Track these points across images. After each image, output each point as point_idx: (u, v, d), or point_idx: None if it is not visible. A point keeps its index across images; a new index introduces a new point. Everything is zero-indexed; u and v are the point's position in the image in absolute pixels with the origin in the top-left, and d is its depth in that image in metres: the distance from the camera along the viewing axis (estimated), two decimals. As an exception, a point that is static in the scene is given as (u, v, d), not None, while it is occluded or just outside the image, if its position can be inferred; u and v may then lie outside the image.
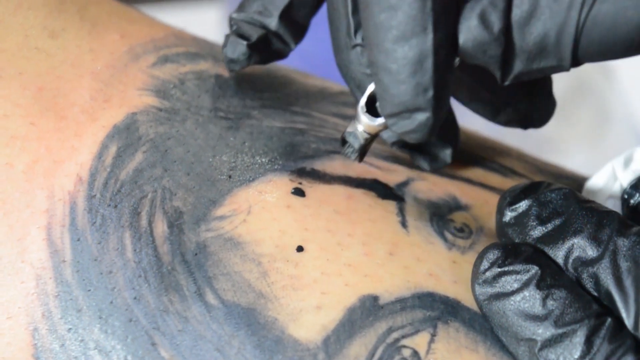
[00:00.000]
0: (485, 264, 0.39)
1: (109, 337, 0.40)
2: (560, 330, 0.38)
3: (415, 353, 0.40)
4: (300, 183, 0.43)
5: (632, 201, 0.42)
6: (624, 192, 0.43)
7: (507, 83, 0.40)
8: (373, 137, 0.42)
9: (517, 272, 0.39)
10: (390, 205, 0.43)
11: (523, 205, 0.41)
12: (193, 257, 0.41)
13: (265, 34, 0.45)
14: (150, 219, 0.42)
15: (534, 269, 0.39)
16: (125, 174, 0.42)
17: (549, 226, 0.40)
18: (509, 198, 0.41)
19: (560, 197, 0.40)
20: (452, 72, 0.40)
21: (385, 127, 0.42)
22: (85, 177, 0.42)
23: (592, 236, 0.39)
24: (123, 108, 0.44)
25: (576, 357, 0.37)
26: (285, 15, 0.45)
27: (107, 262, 0.41)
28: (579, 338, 0.38)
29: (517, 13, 0.39)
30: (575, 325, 0.38)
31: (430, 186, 0.45)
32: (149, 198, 0.42)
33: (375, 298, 0.40)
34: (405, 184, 0.44)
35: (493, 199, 0.45)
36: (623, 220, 0.39)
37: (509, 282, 0.39)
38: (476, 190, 0.45)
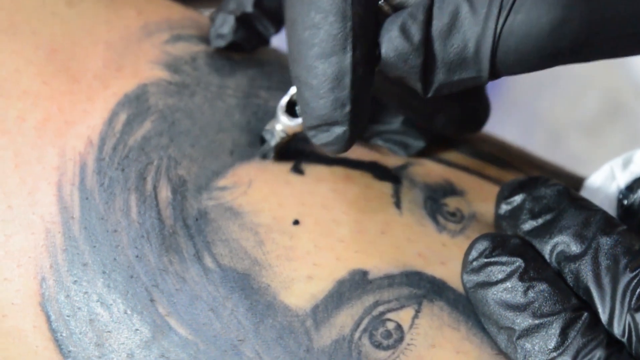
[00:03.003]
0: (473, 254, 0.41)
1: (111, 291, 0.42)
2: (537, 321, 0.40)
3: (398, 326, 0.41)
4: (300, 162, 0.45)
5: (625, 202, 0.44)
6: (620, 192, 0.44)
7: (429, 95, 0.41)
8: (290, 137, 0.45)
9: (503, 264, 0.41)
10: (386, 187, 0.45)
11: (518, 199, 0.43)
12: (194, 222, 0.43)
13: (247, 14, 0.48)
14: (155, 184, 0.44)
15: (519, 262, 0.40)
16: (133, 140, 0.44)
17: (540, 221, 0.42)
18: (506, 192, 0.43)
19: (554, 193, 0.42)
20: (371, 86, 0.42)
21: (301, 128, 0.44)
22: (95, 141, 0.44)
23: (577, 233, 0.41)
24: (135, 78, 0.46)
25: (550, 347, 0.39)
26: (258, 5, 0.48)
27: (113, 222, 0.43)
28: (555, 330, 0.39)
29: (437, 25, 0.40)
30: (552, 317, 0.39)
31: (428, 171, 0.46)
32: (155, 165, 0.44)
33: (364, 273, 0.42)
34: (403, 167, 0.46)
35: (488, 187, 0.46)
36: (609, 219, 0.41)
37: (494, 273, 0.41)
38: (472, 178, 0.47)
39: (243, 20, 0.48)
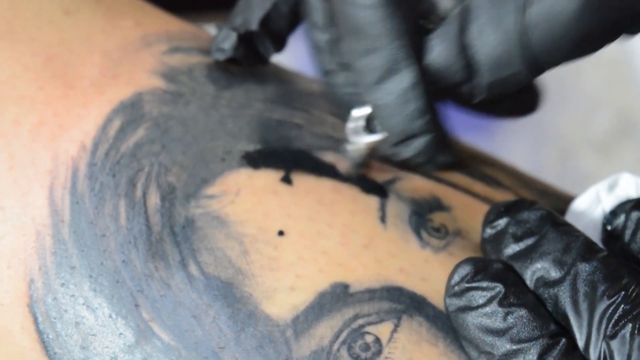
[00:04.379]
0: (456, 278, 0.41)
1: (97, 295, 0.43)
2: (515, 347, 0.40)
3: (377, 340, 0.42)
4: (289, 173, 0.46)
5: (609, 227, 0.44)
6: (604, 217, 0.44)
7: (477, 100, 0.43)
8: (367, 154, 0.46)
9: (484, 289, 0.41)
10: (373, 201, 0.45)
11: (502, 223, 0.43)
12: (181, 229, 0.44)
13: (250, 32, 0.48)
14: (144, 191, 0.44)
15: (499, 287, 0.41)
16: (125, 147, 0.45)
17: (522, 245, 0.42)
18: (492, 215, 0.43)
19: (537, 217, 0.43)
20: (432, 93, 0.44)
21: (375, 144, 0.46)
22: (88, 146, 0.45)
23: (557, 259, 0.41)
24: (130, 86, 0.47)
25: None
26: (264, 24, 0.48)
27: (102, 226, 0.44)
28: (532, 355, 0.40)
29: (472, 30, 0.42)
30: (530, 343, 0.40)
31: (415, 186, 0.47)
32: (146, 171, 0.45)
33: (346, 286, 0.43)
34: (391, 182, 0.47)
35: (475, 204, 0.47)
36: (590, 245, 0.41)
37: (475, 297, 0.41)
38: (460, 194, 0.47)
39: (245, 39, 0.48)
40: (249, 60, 0.49)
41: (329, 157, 0.47)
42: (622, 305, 0.39)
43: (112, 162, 0.45)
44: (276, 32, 0.49)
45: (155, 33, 0.49)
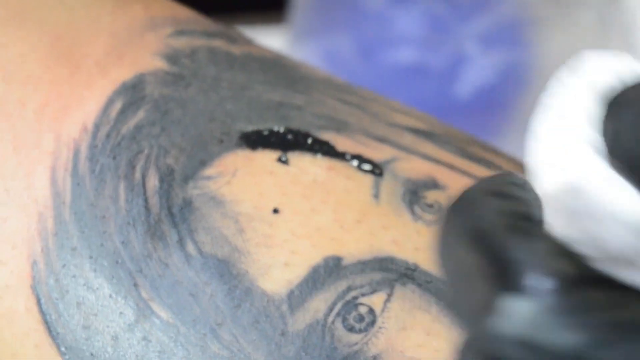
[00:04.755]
0: None
1: (98, 276, 0.44)
2: None
3: (371, 310, 0.43)
4: (286, 152, 0.47)
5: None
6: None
7: None
8: None
9: None
10: (368, 179, 0.46)
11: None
12: (179, 210, 0.45)
13: None
14: (144, 173, 0.45)
15: None
16: (126, 129, 0.46)
17: None
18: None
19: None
20: None
21: None
22: (90, 127, 0.46)
23: None
24: (133, 67, 0.47)
25: None
26: None
27: (102, 208, 0.44)
28: None
29: None
30: None
31: (412, 166, 0.47)
32: (145, 153, 0.45)
33: (338, 259, 0.43)
34: (388, 161, 0.47)
35: (471, 183, 0.47)
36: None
37: None
38: (456, 174, 0.48)
39: None
40: None
41: (327, 136, 0.47)
42: None
43: (113, 144, 0.45)
44: None
45: (162, 17, 0.50)
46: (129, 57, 0.48)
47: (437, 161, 0.48)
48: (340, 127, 0.48)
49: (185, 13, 0.51)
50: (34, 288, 0.44)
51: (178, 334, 0.42)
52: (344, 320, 0.42)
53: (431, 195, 0.46)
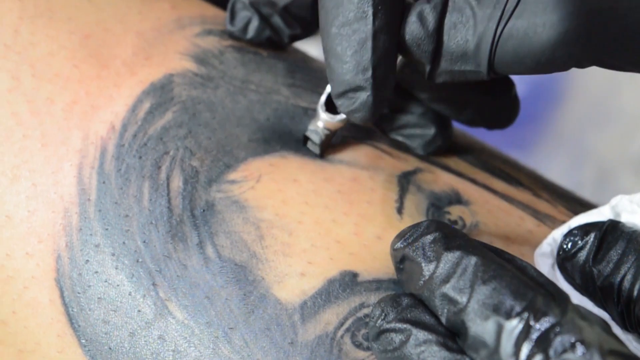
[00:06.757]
0: (371, 321, 0.41)
1: (119, 273, 0.44)
2: None
3: None
4: (310, 161, 0.47)
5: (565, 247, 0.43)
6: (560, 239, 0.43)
7: (435, 81, 0.44)
8: (333, 132, 0.47)
9: (396, 331, 0.40)
10: (392, 191, 0.47)
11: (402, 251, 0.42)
12: (201, 213, 0.45)
13: (269, 14, 0.50)
14: (168, 174, 0.46)
15: (408, 329, 0.40)
16: (153, 129, 0.46)
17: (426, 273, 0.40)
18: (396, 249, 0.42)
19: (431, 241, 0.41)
20: (395, 58, 0.44)
21: (343, 123, 0.47)
22: (117, 127, 0.46)
23: (457, 286, 0.39)
24: (162, 68, 0.48)
25: None
26: (286, 9, 0.50)
27: (125, 207, 0.45)
28: None
29: (448, 18, 0.43)
30: None
31: (435, 178, 0.48)
32: (171, 155, 0.46)
33: (354, 274, 0.44)
34: (412, 173, 0.48)
35: (494, 201, 0.47)
36: (485, 264, 0.39)
37: (390, 340, 0.40)
38: (479, 190, 0.48)
39: (266, 20, 0.50)
40: (262, 41, 0.50)
41: (349, 144, 0.48)
42: (523, 327, 0.37)
43: (139, 144, 0.46)
44: (297, 16, 0.50)
45: (190, 16, 0.50)
46: (157, 57, 0.48)
47: (459, 174, 0.49)
48: (365, 135, 0.48)
49: (213, 12, 0.52)
50: (58, 281, 0.45)
51: (192, 335, 0.43)
52: (353, 336, 0.43)
53: (455, 211, 0.46)
